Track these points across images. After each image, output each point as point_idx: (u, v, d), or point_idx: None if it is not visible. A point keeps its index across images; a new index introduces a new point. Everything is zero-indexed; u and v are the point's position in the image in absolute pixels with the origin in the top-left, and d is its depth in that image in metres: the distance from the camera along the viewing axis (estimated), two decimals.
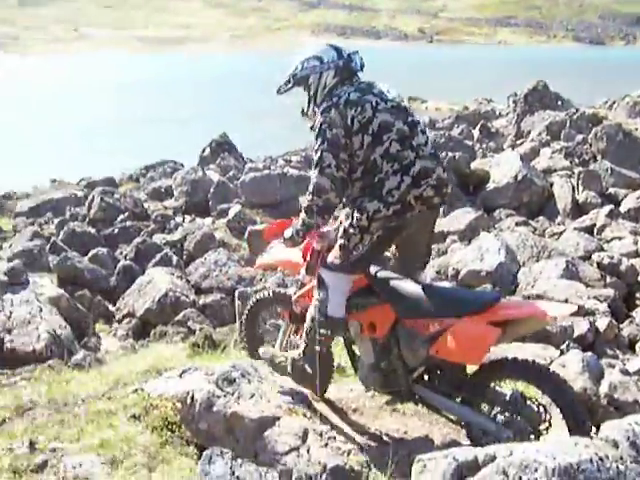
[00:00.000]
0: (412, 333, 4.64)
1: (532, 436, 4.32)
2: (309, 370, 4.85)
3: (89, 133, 38.33)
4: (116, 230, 15.95)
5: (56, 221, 17.25)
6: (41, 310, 9.51)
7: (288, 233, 4.93)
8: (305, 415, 4.73)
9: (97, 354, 8.89)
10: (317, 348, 4.72)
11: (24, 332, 9.00)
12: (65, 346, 9.09)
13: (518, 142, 21.69)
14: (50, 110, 48.34)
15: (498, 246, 10.52)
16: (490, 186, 15.74)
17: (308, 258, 5.04)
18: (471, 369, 4.69)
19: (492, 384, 4.61)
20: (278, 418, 4.64)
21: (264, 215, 13.31)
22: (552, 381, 4.32)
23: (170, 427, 5.10)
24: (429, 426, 4.98)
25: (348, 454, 4.45)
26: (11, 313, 9.32)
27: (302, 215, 4.73)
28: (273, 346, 5.69)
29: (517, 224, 13.65)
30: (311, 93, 4.82)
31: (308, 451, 4.42)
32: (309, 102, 4.88)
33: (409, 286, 4.76)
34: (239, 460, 3.88)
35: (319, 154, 4.52)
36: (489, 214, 14.55)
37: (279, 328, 5.80)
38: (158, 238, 14.98)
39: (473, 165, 17.04)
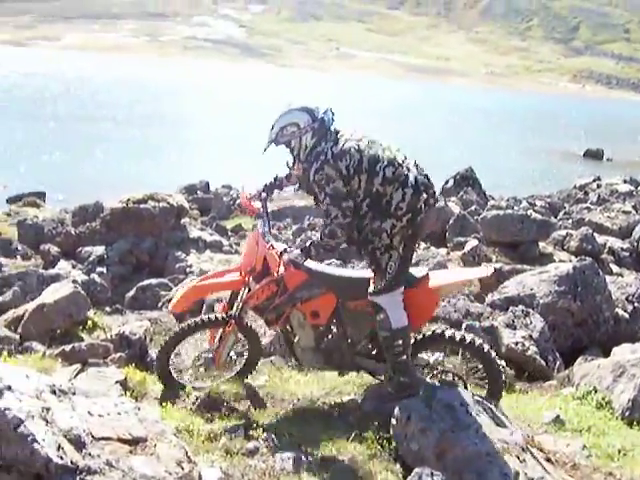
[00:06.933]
0: (356, 313, 5.63)
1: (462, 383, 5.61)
2: (407, 380, 5.48)
3: None
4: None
5: (294, 227, 17.85)
6: None
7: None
8: (518, 457, 4.62)
9: None
10: (404, 358, 5.47)
11: (253, 326, 9.35)
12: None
13: None
14: None
15: None
16: None
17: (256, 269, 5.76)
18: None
19: (420, 354, 5.72)
20: (490, 454, 4.57)
21: (500, 254, 12.98)
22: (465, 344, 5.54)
23: (380, 441, 5.15)
24: None
25: None
26: None
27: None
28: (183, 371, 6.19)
29: None
30: (294, 154, 5.57)
31: None
32: (294, 160, 5.66)
33: (348, 273, 6.00)
34: None
35: (326, 207, 5.31)
36: None
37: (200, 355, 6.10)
38: None
39: None
